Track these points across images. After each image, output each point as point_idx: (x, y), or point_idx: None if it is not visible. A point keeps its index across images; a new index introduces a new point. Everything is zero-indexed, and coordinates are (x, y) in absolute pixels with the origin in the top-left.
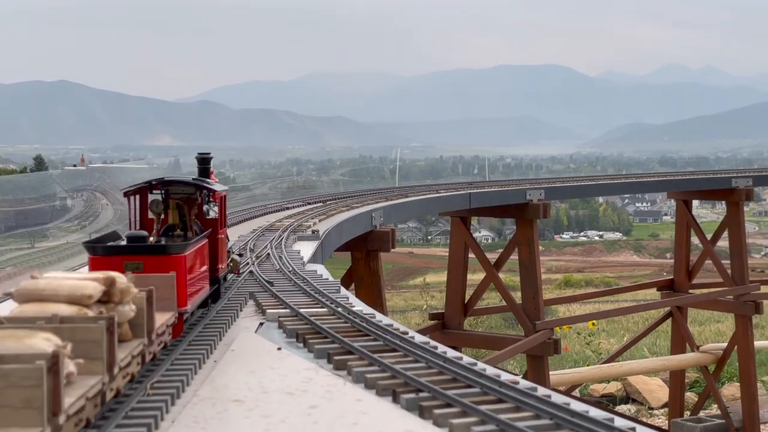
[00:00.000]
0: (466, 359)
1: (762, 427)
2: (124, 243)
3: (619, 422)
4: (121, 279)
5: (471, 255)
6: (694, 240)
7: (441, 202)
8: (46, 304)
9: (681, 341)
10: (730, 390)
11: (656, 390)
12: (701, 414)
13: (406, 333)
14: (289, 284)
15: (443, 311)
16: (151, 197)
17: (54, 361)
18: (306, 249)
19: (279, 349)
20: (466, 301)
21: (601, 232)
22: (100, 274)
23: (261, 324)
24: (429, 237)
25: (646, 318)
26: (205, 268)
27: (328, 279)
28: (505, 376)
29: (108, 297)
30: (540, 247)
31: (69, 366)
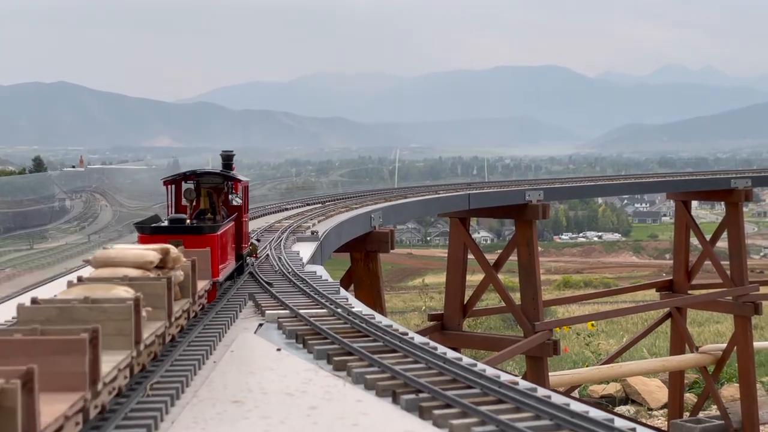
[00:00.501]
0: (466, 360)
1: (761, 428)
2: (165, 224)
3: (619, 423)
4: (173, 250)
5: (470, 256)
6: (694, 241)
7: (440, 202)
8: (118, 268)
9: (680, 342)
10: (730, 391)
11: (655, 391)
12: (700, 415)
13: (406, 334)
14: (288, 285)
15: (442, 312)
16: (185, 186)
17: (137, 303)
18: (305, 250)
19: (278, 350)
20: (465, 302)
21: (600, 233)
22: (157, 246)
23: (260, 325)
24: (428, 238)
25: (646, 319)
26: (232, 246)
27: (327, 280)
28: (504, 377)
29: (163, 263)
30: (539, 248)
31: (142, 311)
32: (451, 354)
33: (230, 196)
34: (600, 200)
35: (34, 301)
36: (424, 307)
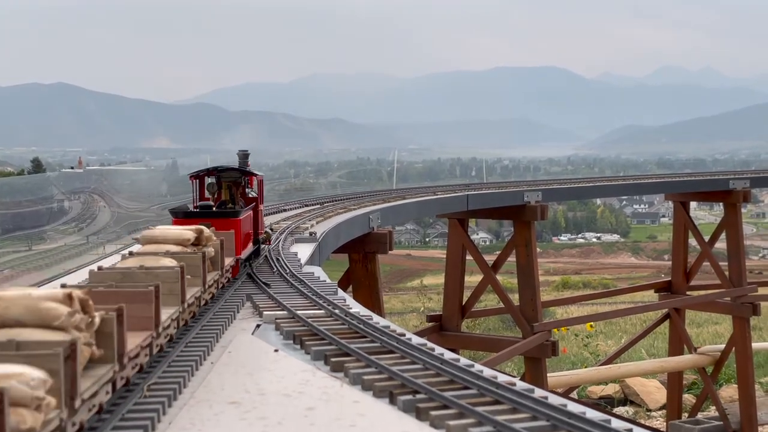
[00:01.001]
0: (464, 361)
1: (760, 428)
2: (196, 210)
3: (616, 423)
4: (206, 230)
5: (469, 257)
6: (692, 242)
7: (439, 203)
8: (161, 245)
9: (679, 343)
10: (728, 392)
11: (654, 392)
12: (699, 416)
13: (403, 335)
14: (286, 286)
15: (441, 313)
16: (207, 180)
17: (182, 270)
18: (303, 251)
19: (276, 350)
20: (463, 303)
21: (598, 234)
22: (193, 227)
23: (258, 326)
24: (427, 239)
25: (644, 320)
26: (250, 230)
27: (325, 281)
28: (502, 378)
29: (198, 241)
30: (538, 249)
31: (197, 281)
32: (448, 355)
33: (246, 189)
34: (598, 201)
35: (100, 268)
36: (422, 308)
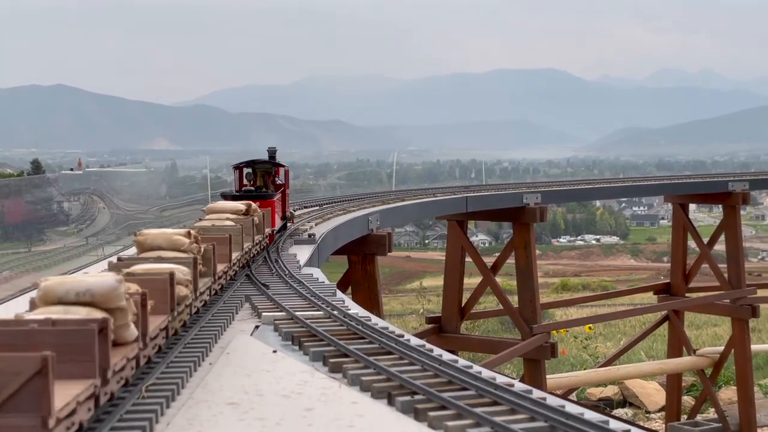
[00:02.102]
0: (462, 362)
1: (759, 430)
2: (242, 193)
3: (614, 424)
4: (253, 205)
5: (468, 259)
6: (691, 244)
7: (438, 205)
8: (223, 213)
9: (678, 345)
10: (727, 394)
11: (653, 394)
12: (698, 418)
13: (402, 336)
14: (285, 287)
15: (440, 315)
16: (245, 170)
17: (242, 228)
18: (302, 252)
19: (274, 352)
20: (463, 305)
21: (598, 236)
22: (243, 202)
23: (257, 327)
24: (426, 241)
25: (643, 322)
26: (280, 210)
27: (324, 282)
28: (500, 379)
29: (247, 212)
30: (537, 251)
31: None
32: (446, 356)
33: (275, 178)
34: (598, 203)
35: (184, 226)
36: (421, 310)
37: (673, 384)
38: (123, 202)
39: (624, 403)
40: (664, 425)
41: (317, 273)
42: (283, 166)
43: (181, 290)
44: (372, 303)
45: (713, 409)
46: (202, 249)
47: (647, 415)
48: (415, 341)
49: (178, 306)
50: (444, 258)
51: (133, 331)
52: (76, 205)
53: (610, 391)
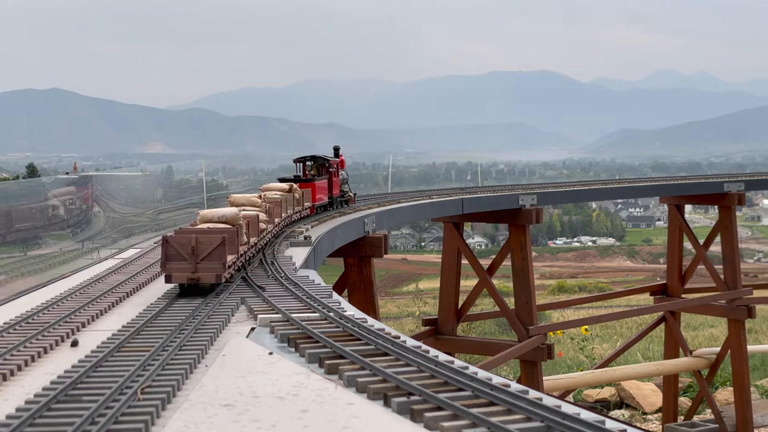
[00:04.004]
0: (458, 363)
1: (756, 431)
2: (293, 177)
3: (610, 424)
4: (295, 185)
5: (464, 261)
6: (687, 245)
7: (434, 207)
8: (272, 192)
9: (674, 346)
10: (724, 394)
11: (650, 395)
12: (695, 419)
13: (398, 337)
14: (281, 289)
15: (437, 317)
16: (307, 164)
17: (284, 200)
18: (298, 255)
19: (270, 353)
20: (459, 307)
21: (594, 238)
22: (288, 184)
23: (252, 329)
24: (422, 243)
25: (640, 323)
26: (325, 192)
27: (320, 284)
28: (496, 380)
29: (290, 190)
30: (533, 253)
31: (289, 206)
32: (442, 357)
33: (330, 169)
34: (594, 205)
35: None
36: (418, 312)
37: (669, 385)
38: (119, 205)
39: (621, 404)
40: (660, 426)
41: (313, 275)
42: (333, 159)
43: (262, 224)
44: (368, 305)
45: (710, 410)
46: (267, 207)
47: (644, 416)
48: (411, 342)
49: (261, 232)
50: (440, 260)
51: (244, 238)
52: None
53: (607, 392)
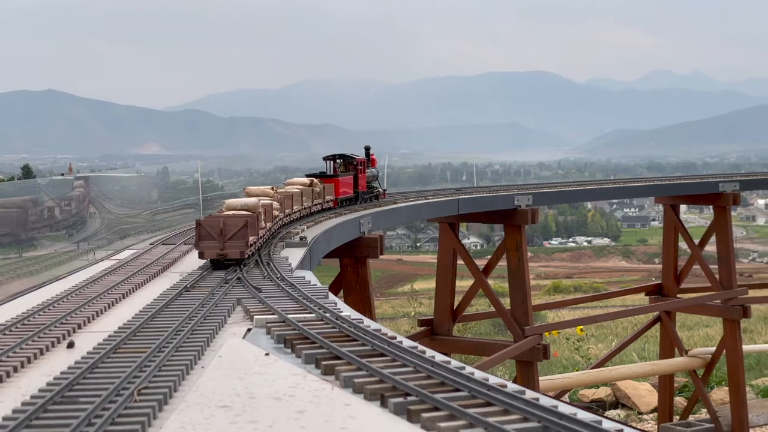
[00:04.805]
0: (454, 363)
1: (751, 430)
2: (319, 173)
3: (607, 424)
4: (315, 180)
5: (460, 261)
6: (682, 245)
7: (429, 208)
8: (295, 185)
9: (670, 346)
10: (719, 394)
11: (645, 395)
12: (690, 418)
13: (394, 338)
14: (276, 290)
15: (432, 317)
16: (337, 161)
17: (302, 192)
18: (294, 255)
19: (267, 354)
20: (455, 308)
21: (589, 238)
22: (308, 179)
23: (249, 330)
24: (418, 244)
25: (635, 323)
26: (350, 186)
27: (316, 285)
28: (493, 380)
29: (311, 185)
30: (529, 253)
31: (308, 198)
32: (439, 357)
33: (358, 166)
34: (589, 205)
35: (273, 188)
36: (413, 313)
37: (665, 385)
38: (114, 206)
39: (616, 404)
40: (656, 426)
41: (309, 276)
42: (357, 157)
43: (275, 212)
44: (364, 306)
45: (705, 410)
46: (280, 197)
47: (639, 416)
48: (407, 343)
49: (274, 219)
50: (436, 261)
51: (263, 224)
52: (66, 210)
53: (603, 392)
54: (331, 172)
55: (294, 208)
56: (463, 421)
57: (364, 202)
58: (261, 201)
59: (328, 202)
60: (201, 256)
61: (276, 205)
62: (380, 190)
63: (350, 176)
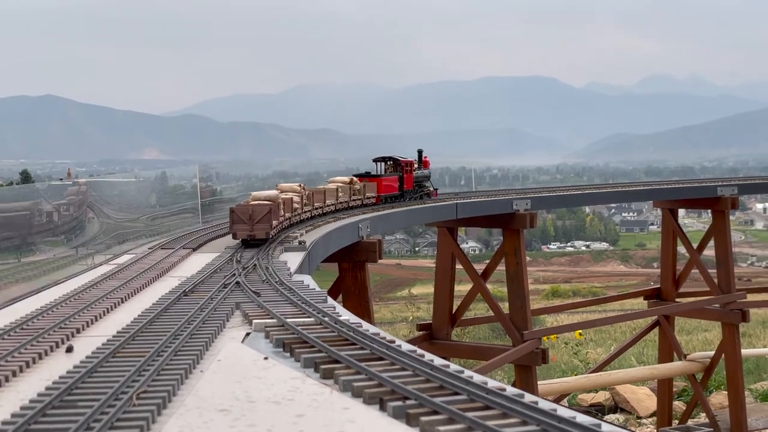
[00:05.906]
0: (453, 367)
1: None
2: (364, 174)
3: (606, 428)
4: (355, 179)
5: (458, 266)
6: (681, 249)
7: (428, 212)
8: (335, 183)
9: (668, 350)
10: (718, 398)
11: (644, 399)
12: (689, 422)
13: (393, 342)
14: (275, 294)
15: (431, 322)
16: (387, 163)
17: (339, 188)
18: (293, 260)
19: (266, 358)
20: (453, 312)
21: (588, 243)
22: (348, 177)
23: (247, 334)
24: (417, 248)
25: (634, 327)
26: (396, 185)
27: (314, 289)
28: (492, 384)
29: (350, 183)
30: (527, 258)
31: (345, 194)
32: (438, 361)
33: (405, 167)
34: (588, 209)
35: (301, 185)
36: (412, 318)
37: (664, 389)
38: (113, 211)
39: (615, 408)
40: (655, 431)
41: (308, 280)
42: (402, 159)
43: (296, 205)
44: (362, 310)
45: (704, 414)
46: (308, 193)
47: (638, 420)
48: (406, 347)
49: (294, 211)
50: (434, 265)
51: (282, 212)
52: (65, 215)
53: (602, 396)
54: (381, 172)
55: (327, 201)
56: (462, 424)
57: (412, 199)
58: (282, 195)
59: (369, 198)
60: (234, 236)
61: (296, 198)
62: (431, 189)
63: (395, 176)
